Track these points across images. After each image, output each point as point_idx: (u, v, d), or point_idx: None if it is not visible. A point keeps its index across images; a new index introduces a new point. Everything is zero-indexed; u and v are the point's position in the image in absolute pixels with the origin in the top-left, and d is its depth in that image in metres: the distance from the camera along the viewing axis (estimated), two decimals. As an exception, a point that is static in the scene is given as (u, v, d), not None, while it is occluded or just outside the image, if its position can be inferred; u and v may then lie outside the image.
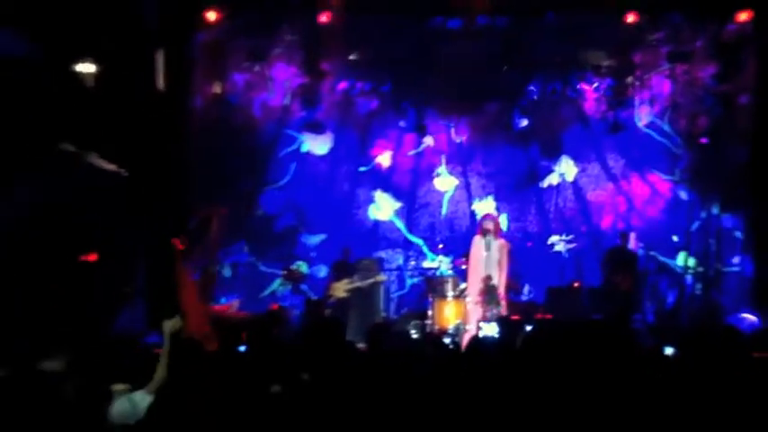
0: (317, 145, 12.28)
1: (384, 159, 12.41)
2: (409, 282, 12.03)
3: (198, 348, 4.76)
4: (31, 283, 8.05)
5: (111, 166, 9.63)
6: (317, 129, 12.06)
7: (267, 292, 11.88)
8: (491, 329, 8.60)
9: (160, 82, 10.32)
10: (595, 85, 11.81)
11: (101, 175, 9.47)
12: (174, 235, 8.50)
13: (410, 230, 12.32)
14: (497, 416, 3.45)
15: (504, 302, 9.35)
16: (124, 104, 9.63)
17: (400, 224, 12.35)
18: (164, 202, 10.26)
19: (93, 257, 9.28)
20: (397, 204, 12.37)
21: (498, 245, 9.24)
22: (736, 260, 11.31)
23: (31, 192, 8.47)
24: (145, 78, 10.13)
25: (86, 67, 9.55)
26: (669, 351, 5.38)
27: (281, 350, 3.96)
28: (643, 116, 11.84)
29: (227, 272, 11.72)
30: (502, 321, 7.84)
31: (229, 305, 10.94)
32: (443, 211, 12.36)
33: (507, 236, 10.27)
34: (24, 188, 8.39)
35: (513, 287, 10.07)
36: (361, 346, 5.96)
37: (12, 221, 8.24)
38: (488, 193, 12.31)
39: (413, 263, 12.02)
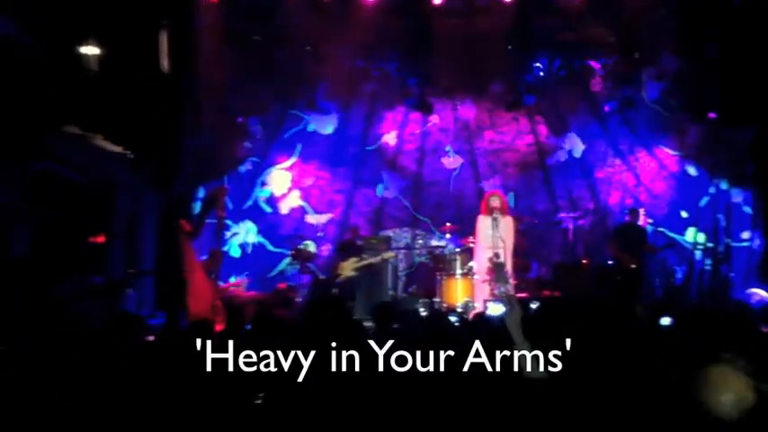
0: (323, 125, 12.27)
1: (390, 138, 12.39)
2: (417, 260, 12.03)
3: (206, 327, 4.78)
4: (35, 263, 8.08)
5: (117, 148, 9.63)
6: (322, 109, 12.05)
7: (275, 271, 11.92)
8: (497, 310, 8.57)
9: (164, 63, 10.28)
10: (603, 61, 11.68)
11: (106, 156, 9.48)
12: (180, 216, 8.49)
13: (417, 209, 12.30)
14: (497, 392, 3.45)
15: (512, 280, 9.33)
16: (128, 86, 9.61)
17: (407, 203, 12.33)
18: (169, 183, 10.27)
19: (101, 239, 9.30)
20: (404, 183, 12.34)
21: (505, 222, 9.20)
22: (745, 235, 11.23)
23: (34, 174, 8.48)
24: (149, 60, 10.10)
25: (90, 50, 9.53)
26: (666, 321, 5.37)
27: (284, 329, 3.96)
28: (650, 92, 11.72)
29: (235, 252, 11.77)
30: (508, 300, 7.80)
31: (238, 284, 10.99)
32: (450, 189, 12.33)
33: (515, 213, 10.20)
34: (27, 171, 8.41)
35: (521, 265, 10.03)
36: (368, 324, 5.98)
37: (16, 202, 8.26)
38: (495, 171, 12.28)
39: (420, 241, 12.00)
